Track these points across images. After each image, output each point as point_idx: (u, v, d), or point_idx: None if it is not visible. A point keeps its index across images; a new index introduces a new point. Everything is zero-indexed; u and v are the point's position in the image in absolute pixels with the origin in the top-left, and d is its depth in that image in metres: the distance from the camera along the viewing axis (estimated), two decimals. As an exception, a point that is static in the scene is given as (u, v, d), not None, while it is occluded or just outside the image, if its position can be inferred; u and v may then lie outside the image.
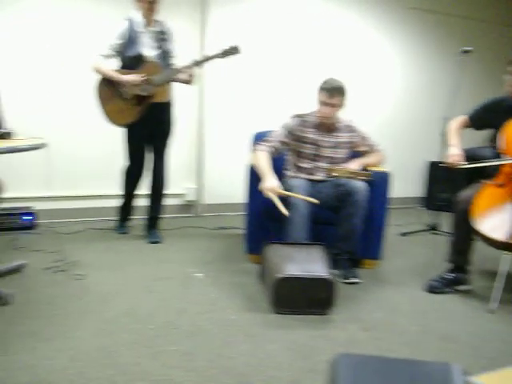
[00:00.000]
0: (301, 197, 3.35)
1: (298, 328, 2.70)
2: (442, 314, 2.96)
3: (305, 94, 4.80)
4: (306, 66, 5.37)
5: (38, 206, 4.44)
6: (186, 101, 5.00)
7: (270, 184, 3.36)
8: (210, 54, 3.82)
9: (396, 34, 5.83)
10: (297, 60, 5.36)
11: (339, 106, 3.57)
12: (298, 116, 3.72)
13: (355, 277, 3.40)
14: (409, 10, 5.81)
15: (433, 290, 3.29)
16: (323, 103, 3.55)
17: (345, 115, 3.78)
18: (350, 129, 3.77)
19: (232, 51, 3.81)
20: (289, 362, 2.34)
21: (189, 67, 3.83)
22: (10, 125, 3.06)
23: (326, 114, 3.57)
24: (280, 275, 2.83)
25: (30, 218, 4.35)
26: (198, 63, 3.82)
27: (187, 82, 3.98)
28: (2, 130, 2.93)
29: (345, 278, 3.39)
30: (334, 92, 3.51)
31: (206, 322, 2.71)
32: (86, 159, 4.71)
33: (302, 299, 2.85)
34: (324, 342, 2.55)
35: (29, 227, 4.33)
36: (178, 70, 3.85)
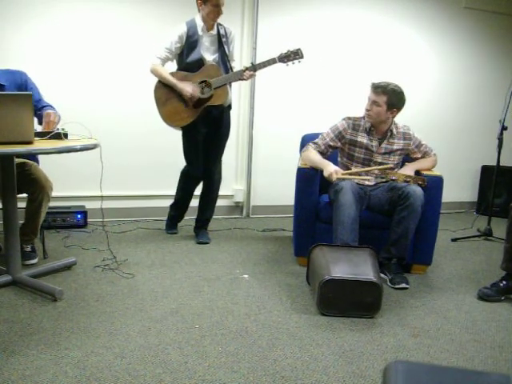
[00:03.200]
0: (360, 177, 3.50)
1: (346, 332, 2.66)
2: (495, 323, 2.86)
3: (353, 97, 4.75)
4: (353, 69, 5.31)
5: (89, 205, 4.54)
6: (236, 103, 5.02)
7: (333, 168, 3.38)
8: (269, 58, 3.83)
9: (450, 34, 5.69)
10: (344, 64, 5.31)
11: (381, 106, 3.49)
12: (350, 119, 3.67)
13: (404, 282, 3.33)
14: (462, 10, 5.68)
15: (485, 297, 3.19)
16: (368, 99, 3.56)
17: (400, 120, 3.72)
18: (406, 136, 3.69)
19: (293, 56, 3.84)
20: (335, 366, 2.31)
21: (246, 71, 3.81)
22: (63, 125, 3.12)
23: (368, 111, 3.54)
24: (327, 277, 2.80)
25: (82, 216, 4.45)
26: (256, 68, 3.83)
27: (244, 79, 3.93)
28: (57, 131, 3.00)
29: (393, 283, 3.33)
30: (377, 89, 3.48)
31: (253, 324, 2.70)
32: (138, 160, 4.79)
33: (348, 302, 2.82)
34: (372, 347, 2.50)
35: (80, 226, 4.43)
36: (237, 75, 3.85)
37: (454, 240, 4.66)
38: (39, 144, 2.76)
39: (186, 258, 3.75)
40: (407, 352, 2.49)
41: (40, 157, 3.56)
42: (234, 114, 4.83)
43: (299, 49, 3.85)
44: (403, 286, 3.31)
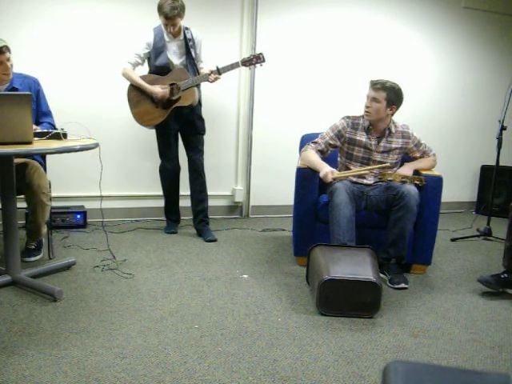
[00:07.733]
0: (359, 172, 3.55)
1: (345, 332, 2.66)
2: (494, 323, 2.86)
3: (352, 97, 4.75)
4: (353, 69, 5.31)
5: (88, 205, 4.54)
6: (235, 103, 5.02)
7: (329, 169, 3.42)
8: (233, 62, 4.00)
9: (449, 34, 5.69)
10: (344, 64, 5.31)
11: (381, 102, 3.50)
12: (349, 117, 3.68)
13: (404, 282, 3.33)
14: (462, 10, 5.68)
15: (484, 283, 3.22)
16: (367, 97, 3.57)
17: (400, 119, 3.72)
18: (405, 135, 3.68)
19: (255, 60, 4.03)
20: (335, 366, 2.31)
21: (211, 74, 3.95)
22: (62, 126, 3.12)
23: (367, 108, 3.55)
24: (326, 277, 2.80)
25: (81, 216, 4.45)
26: (220, 71, 3.97)
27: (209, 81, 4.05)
28: (56, 131, 2.99)
29: (393, 283, 3.33)
30: (376, 85, 3.50)
31: (252, 324, 2.70)
32: (138, 160, 4.79)
33: (347, 302, 2.82)
34: (371, 347, 2.50)
35: (79, 226, 4.42)
36: (203, 77, 3.99)
37: (453, 240, 4.66)
38: (38, 144, 2.75)
39: (185, 258, 3.75)
40: (407, 352, 2.49)
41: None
42: (233, 115, 4.87)
43: (261, 53, 4.05)
44: (402, 285, 3.31)
